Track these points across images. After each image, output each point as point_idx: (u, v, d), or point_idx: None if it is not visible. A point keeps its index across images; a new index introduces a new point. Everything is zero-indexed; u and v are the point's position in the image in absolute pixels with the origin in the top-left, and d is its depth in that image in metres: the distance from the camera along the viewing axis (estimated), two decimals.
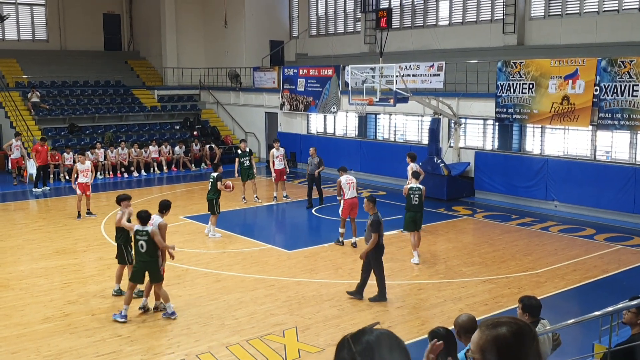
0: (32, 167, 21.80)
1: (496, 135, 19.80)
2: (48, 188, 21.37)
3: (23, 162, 22.51)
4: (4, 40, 31.21)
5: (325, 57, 28.03)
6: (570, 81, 17.08)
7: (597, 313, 6.87)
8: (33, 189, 21.09)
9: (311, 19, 31.09)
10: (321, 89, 24.55)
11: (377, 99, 18.27)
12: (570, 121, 17.23)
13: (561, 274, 12.20)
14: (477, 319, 5.68)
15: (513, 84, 18.39)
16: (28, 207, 19.78)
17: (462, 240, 14.89)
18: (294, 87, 25.86)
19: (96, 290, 11.28)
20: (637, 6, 19.31)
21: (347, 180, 14.39)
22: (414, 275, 12.28)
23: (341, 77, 23.38)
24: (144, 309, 10.15)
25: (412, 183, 13.63)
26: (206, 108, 31.14)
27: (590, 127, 17.12)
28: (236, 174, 19.07)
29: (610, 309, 6.72)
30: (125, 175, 24.40)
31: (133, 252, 10.29)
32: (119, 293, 10.80)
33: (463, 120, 20.14)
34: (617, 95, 16.14)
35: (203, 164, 26.49)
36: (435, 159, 19.26)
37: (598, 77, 16.53)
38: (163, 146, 25.63)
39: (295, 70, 26.05)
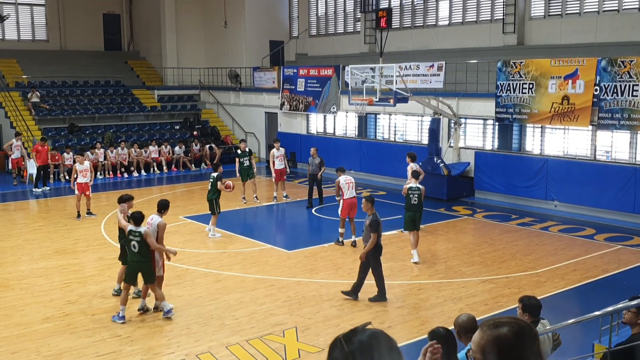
0: (32, 167, 21.80)
1: (496, 135, 19.80)
2: (48, 188, 21.37)
3: (23, 162, 22.51)
4: (4, 40, 31.22)
5: (325, 57, 28.03)
6: (570, 81, 17.08)
7: (597, 313, 6.87)
8: (33, 189, 21.09)
9: (311, 19, 31.10)
10: (321, 89, 24.55)
11: (377, 99, 18.27)
12: (570, 121, 17.23)
13: (561, 273, 12.20)
14: (477, 318, 5.67)
15: (513, 83, 18.39)
16: (28, 207, 19.78)
17: (462, 240, 14.89)
18: (293, 87, 25.87)
19: (96, 291, 11.28)
20: (637, 6, 19.31)
21: (346, 180, 14.42)
22: (414, 275, 12.28)
23: (341, 77, 23.38)
24: (143, 310, 10.15)
25: (412, 183, 13.66)
26: (206, 108, 31.14)
27: (590, 127, 17.12)
28: (237, 174, 19.07)
29: (610, 308, 6.72)
30: (125, 175, 24.40)
31: None
32: (119, 293, 10.79)
33: (463, 120, 20.14)
34: (617, 95, 16.14)
35: (203, 164, 26.49)
36: (435, 159, 19.26)
37: (598, 77, 16.53)
38: (163, 146, 25.63)
39: (295, 70, 26.05)
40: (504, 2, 22.43)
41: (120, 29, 34.83)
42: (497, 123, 19.34)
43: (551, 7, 21.57)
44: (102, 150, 24.19)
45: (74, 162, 18.16)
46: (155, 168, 25.26)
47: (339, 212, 14.37)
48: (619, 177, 16.47)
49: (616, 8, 19.84)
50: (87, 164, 17.35)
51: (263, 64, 30.04)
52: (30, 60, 30.13)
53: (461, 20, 24.48)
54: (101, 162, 23.93)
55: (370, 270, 10.65)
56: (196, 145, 26.85)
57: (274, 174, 19.09)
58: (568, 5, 21.08)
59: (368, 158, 23.01)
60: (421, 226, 14.10)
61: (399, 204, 14.82)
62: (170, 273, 11.42)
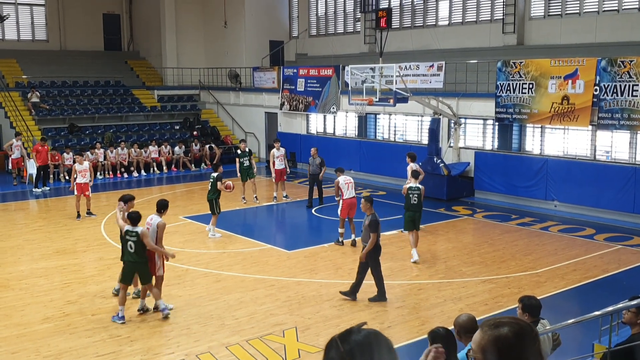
0: (32, 167, 21.81)
1: (496, 135, 19.80)
2: (48, 188, 21.37)
3: (23, 162, 22.51)
4: (4, 40, 31.22)
5: (325, 57, 28.04)
6: (570, 81, 17.09)
7: (597, 313, 6.88)
8: (33, 189, 21.09)
9: (311, 19, 31.10)
10: (321, 89, 24.55)
11: (377, 99, 18.27)
12: (570, 121, 17.23)
13: (561, 273, 12.20)
14: (477, 318, 5.67)
15: (513, 83, 18.39)
16: (28, 207, 19.78)
17: (462, 240, 14.89)
18: (293, 87, 25.87)
19: (96, 291, 11.28)
20: (637, 6, 19.31)
21: (345, 180, 14.46)
22: (414, 275, 12.28)
23: (341, 77, 23.38)
24: (143, 310, 10.15)
25: (412, 182, 13.67)
26: (206, 108, 31.14)
27: (590, 127, 17.13)
28: (239, 174, 19.05)
29: (610, 308, 6.72)
30: (125, 175, 24.40)
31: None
32: (119, 292, 10.78)
33: (463, 120, 20.14)
34: (617, 95, 16.14)
35: (203, 164, 26.49)
36: (435, 159, 19.26)
37: (598, 77, 16.54)
38: (163, 146, 25.63)
39: (295, 70, 26.06)
40: (504, 2, 22.43)
41: (120, 29, 34.84)
42: (497, 123, 19.34)
43: (551, 7, 21.57)
44: (102, 151, 24.19)
45: (74, 162, 18.15)
46: (155, 168, 25.27)
47: (339, 212, 14.39)
48: (619, 177, 16.47)
49: (616, 8, 19.84)
50: (86, 164, 17.34)
51: (263, 64, 30.05)
52: (30, 60, 30.13)
53: (461, 20, 24.48)
54: (101, 162, 23.93)
55: (369, 270, 10.64)
56: (196, 145, 26.85)
57: (273, 174, 19.09)
58: (568, 5, 21.08)
59: (368, 158, 23.01)
60: (421, 226, 14.11)
61: (399, 204, 14.82)
62: (170, 273, 11.42)
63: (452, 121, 19.95)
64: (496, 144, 19.83)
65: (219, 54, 32.18)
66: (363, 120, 23.54)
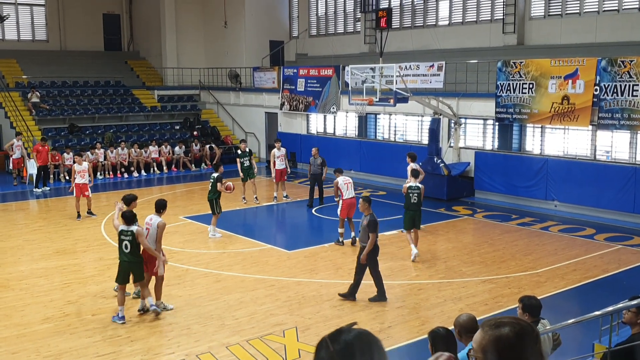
0: (32, 167, 21.80)
1: (496, 135, 19.80)
2: (48, 188, 21.37)
3: (23, 162, 22.50)
4: (4, 40, 31.22)
5: (325, 57, 28.03)
6: (570, 81, 17.08)
7: (597, 313, 6.87)
8: (34, 189, 21.09)
9: (311, 19, 31.10)
10: (321, 89, 24.55)
11: (377, 99, 18.27)
12: (570, 121, 17.23)
13: (561, 273, 12.20)
14: (477, 318, 5.67)
15: (513, 83, 18.39)
16: (28, 208, 19.78)
17: (462, 240, 14.89)
18: (293, 87, 25.87)
19: (96, 291, 11.28)
20: (637, 6, 19.31)
21: (344, 180, 14.49)
22: (414, 275, 12.28)
23: (341, 77, 23.38)
24: (143, 311, 10.15)
25: (411, 182, 13.69)
26: (206, 108, 31.14)
27: (590, 127, 17.12)
28: (241, 174, 19.02)
29: (610, 308, 6.72)
30: (125, 175, 24.40)
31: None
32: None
33: (463, 120, 20.14)
34: (617, 95, 16.14)
35: (203, 164, 26.49)
36: (435, 159, 19.26)
37: (598, 77, 16.53)
38: (163, 146, 25.63)
39: (295, 70, 26.06)
40: (504, 2, 22.43)
41: (120, 29, 34.83)
42: (497, 123, 19.34)
43: (551, 7, 21.57)
44: (102, 151, 24.19)
45: (74, 162, 18.15)
46: (155, 168, 25.27)
47: (338, 212, 14.39)
48: (619, 177, 16.47)
49: (616, 8, 19.84)
50: (85, 164, 17.33)
51: (263, 64, 30.04)
52: (30, 60, 30.13)
53: (461, 20, 24.48)
54: (101, 162, 23.93)
55: (367, 271, 10.63)
56: (196, 145, 26.85)
57: (274, 174, 19.09)
58: (568, 5, 21.08)
59: (368, 158, 23.01)
60: (421, 226, 14.12)
61: (399, 204, 14.82)
62: (170, 273, 11.43)
63: (452, 121, 19.95)
64: (496, 144, 19.83)
65: (219, 54, 32.18)
66: (363, 120, 23.53)
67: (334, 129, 25.13)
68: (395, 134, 22.90)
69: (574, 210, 17.28)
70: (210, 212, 15.30)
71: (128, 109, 28.56)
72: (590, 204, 17.03)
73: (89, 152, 23.18)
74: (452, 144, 20.20)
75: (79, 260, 13.42)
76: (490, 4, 23.44)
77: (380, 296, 10.62)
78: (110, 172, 24.18)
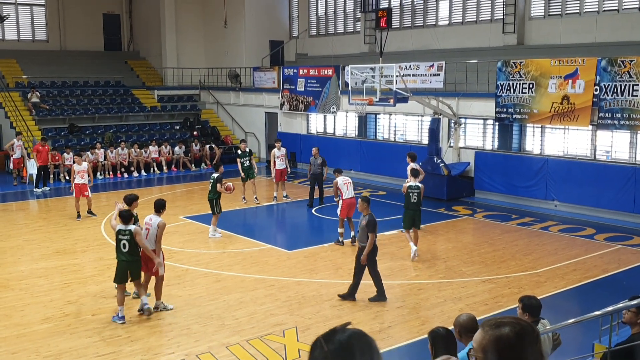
0: (32, 167, 21.81)
1: (496, 135, 19.80)
2: (48, 188, 21.37)
3: (23, 162, 22.49)
4: (4, 40, 31.22)
5: (325, 57, 28.03)
6: (570, 81, 17.08)
7: (597, 313, 6.88)
8: (34, 189, 21.09)
9: (311, 19, 31.09)
10: (321, 89, 24.55)
11: (377, 99, 18.26)
12: (570, 121, 17.23)
13: (561, 273, 12.20)
14: (477, 318, 5.67)
15: (513, 83, 18.39)
16: (28, 208, 19.78)
17: (462, 240, 14.89)
18: (293, 87, 25.87)
19: (96, 291, 11.28)
20: (637, 6, 19.31)
21: (344, 180, 14.51)
22: (414, 275, 12.28)
23: (341, 77, 23.38)
24: (143, 311, 10.14)
25: (411, 181, 13.69)
26: (206, 108, 31.14)
27: (590, 127, 17.12)
28: (242, 174, 18.99)
29: (610, 308, 6.72)
30: (125, 175, 24.40)
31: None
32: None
33: (463, 120, 20.14)
34: (617, 95, 16.13)
35: (203, 164, 26.49)
36: (435, 159, 19.26)
37: (598, 77, 16.53)
38: (163, 146, 25.63)
39: (295, 70, 26.06)
40: (504, 2, 22.43)
41: (120, 29, 34.83)
42: (497, 123, 19.33)
43: (551, 7, 21.57)
44: (102, 151, 24.19)
45: (74, 162, 18.14)
46: (155, 168, 25.27)
47: (338, 212, 14.39)
48: (619, 177, 16.47)
49: (616, 8, 19.84)
50: (84, 164, 17.31)
51: (263, 64, 30.04)
52: (30, 60, 30.13)
53: (461, 20, 24.48)
54: (101, 162, 23.93)
55: (366, 271, 10.62)
56: (196, 145, 26.85)
57: (274, 174, 19.09)
58: (568, 5, 21.07)
59: (368, 158, 23.01)
60: (421, 226, 14.12)
61: (399, 204, 14.81)
62: (170, 273, 11.42)
63: (452, 121, 19.95)
64: (496, 144, 19.83)
65: (219, 54, 32.18)
66: (363, 120, 23.53)
67: (334, 129, 25.13)
68: (395, 134, 22.90)
69: (574, 210, 17.27)
70: (210, 212, 15.30)
71: (128, 109, 28.56)
72: (590, 204, 17.03)
73: (89, 152, 23.19)
74: (452, 144, 20.20)
75: (79, 260, 13.42)
76: (490, 4, 23.44)
77: (380, 296, 10.62)
78: (110, 172, 24.18)
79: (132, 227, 9.79)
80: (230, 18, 30.87)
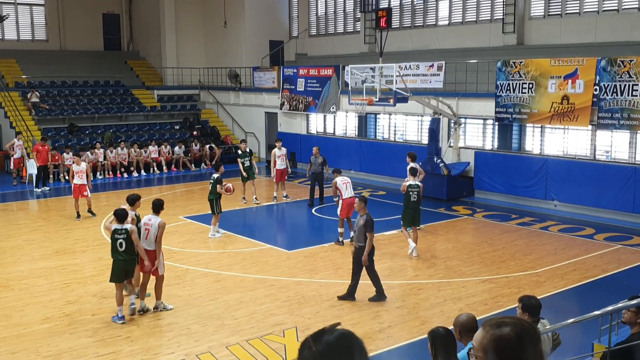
0: (32, 167, 21.81)
1: (496, 135, 19.80)
2: (48, 188, 21.37)
3: (22, 162, 22.49)
4: (4, 40, 31.21)
5: (325, 57, 28.04)
6: (569, 81, 17.09)
7: (596, 312, 6.88)
8: (34, 189, 21.09)
9: (311, 19, 31.09)
10: (321, 89, 24.55)
11: (377, 99, 18.27)
12: (570, 121, 17.23)
13: (561, 273, 12.20)
14: (477, 318, 5.67)
15: (513, 83, 18.39)
16: (28, 207, 19.78)
17: (462, 240, 14.89)
18: (293, 87, 25.87)
19: (96, 291, 11.28)
20: (637, 6, 19.32)
21: (343, 180, 14.51)
22: (414, 275, 12.28)
23: (341, 77, 23.38)
24: (143, 311, 10.15)
25: (411, 180, 13.70)
26: (206, 108, 31.14)
27: (589, 127, 17.13)
28: (243, 174, 18.98)
29: (609, 308, 6.73)
30: (125, 175, 24.40)
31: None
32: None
33: (463, 120, 20.14)
34: (617, 95, 16.14)
35: (203, 164, 26.49)
36: (435, 159, 19.26)
37: (598, 77, 16.53)
38: (163, 146, 25.63)
39: (295, 70, 26.05)
40: (503, 2, 22.43)
41: (119, 29, 34.83)
42: (496, 123, 19.33)
43: (551, 7, 21.57)
44: (101, 151, 24.19)
45: (73, 162, 18.13)
46: (155, 168, 25.26)
47: (338, 212, 14.40)
48: (619, 177, 16.47)
49: (616, 8, 19.84)
50: (83, 165, 17.30)
51: (263, 64, 30.04)
52: (30, 60, 30.12)
53: (461, 20, 24.48)
54: (101, 162, 23.93)
55: (364, 271, 10.62)
56: (196, 145, 26.85)
57: (274, 174, 19.09)
58: (568, 5, 21.08)
59: (368, 158, 23.01)
60: (421, 226, 14.12)
61: (399, 204, 14.81)
62: (170, 273, 11.43)
63: (452, 121, 19.95)
64: (496, 144, 19.83)
65: (219, 54, 32.18)
66: (363, 120, 23.53)
67: (334, 128, 25.13)
68: (395, 134, 22.90)
69: (574, 210, 17.28)
70: (210, 212, 15.30)
71: (128, 108, 28.55)
72: (590, 203, 17.03)
73: (88, 152, 23.19)
74: (451, 144, 20.21)
75: (79, 260, 13.42)
76: (490, 4, 23.44)
77: (380, 295, 10.62)
78: (110, 172, 24.17)
79: (128, 226, 9.80)
80: (230, 18, 30.87)
